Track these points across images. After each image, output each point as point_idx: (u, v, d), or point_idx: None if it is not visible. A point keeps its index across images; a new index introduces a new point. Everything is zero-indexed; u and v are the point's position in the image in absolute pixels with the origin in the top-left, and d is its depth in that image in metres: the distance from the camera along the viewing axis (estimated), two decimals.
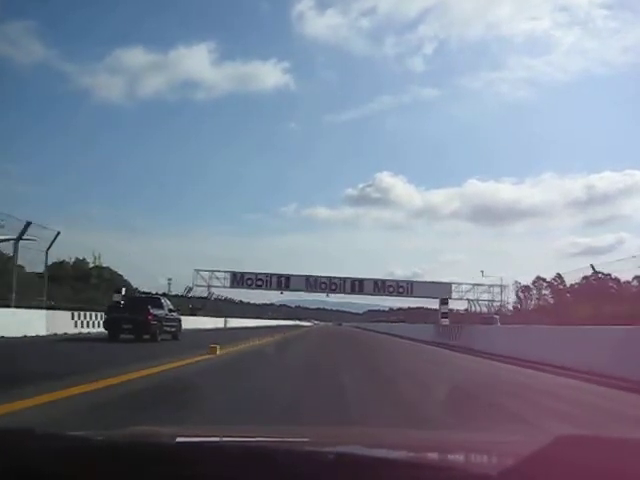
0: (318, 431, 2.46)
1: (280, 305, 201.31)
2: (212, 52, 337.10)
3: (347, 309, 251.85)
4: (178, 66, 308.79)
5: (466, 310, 56.09)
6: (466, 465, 1.20)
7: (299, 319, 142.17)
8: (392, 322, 65.92)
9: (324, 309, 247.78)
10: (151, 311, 18.51)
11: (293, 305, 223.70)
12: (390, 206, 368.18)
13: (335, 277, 56.70)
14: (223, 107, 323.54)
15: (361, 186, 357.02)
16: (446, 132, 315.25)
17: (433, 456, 1.36)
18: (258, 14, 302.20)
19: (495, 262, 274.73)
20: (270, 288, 56.96)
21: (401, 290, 57.08)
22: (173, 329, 20.63)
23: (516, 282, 45.35)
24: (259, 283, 56.40)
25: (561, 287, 41.30)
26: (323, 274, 57.21)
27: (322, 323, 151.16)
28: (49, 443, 1.19)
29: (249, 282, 56.26)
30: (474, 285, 55.37)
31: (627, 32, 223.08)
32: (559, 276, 40.68)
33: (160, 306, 20.12)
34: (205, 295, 54.99)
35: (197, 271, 56.25)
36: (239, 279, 56.26)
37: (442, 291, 53.46)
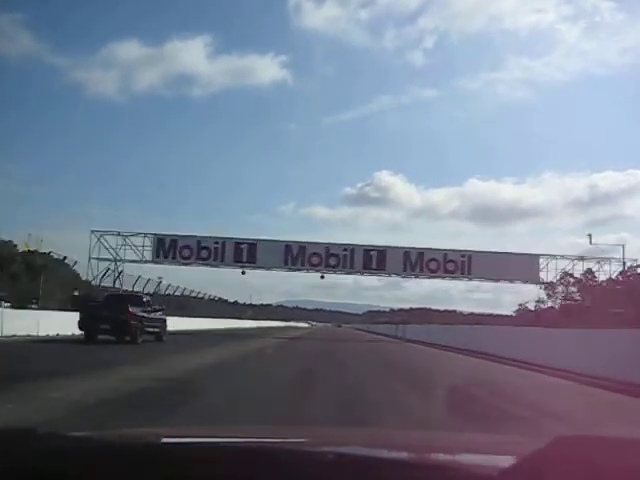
0: (318, 431, 2.51)
1: (277, 306, 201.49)
2: (208, 46, 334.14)
3: (346, 310, 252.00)
4: (174, 61, 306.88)
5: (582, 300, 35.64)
6: (467, 465, 1.22)
7: (294, 320, 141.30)
8: (397, 323, 60.79)
9: (322, 310, 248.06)
10: (131, 310, 17.46)
11: (291, 306, 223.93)
12: (389, 205, 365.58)
13: (335, 244, 34.90)
14: (220, 105, 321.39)
15: (360, 185, 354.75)
16: (447, 131, 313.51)
17: (433, 456, 1.37)
18: (255, 6, 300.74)
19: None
20: (223, 263, 34.46)
21: (451, 267, 34.09)
22: (156, 329, 19.63)
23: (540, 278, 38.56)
24: (204, 255, 34.19)
25: (592, 284, 35.75)
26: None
27: (321, 324, 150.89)
28: (50, 443, 1.21)
29: (185, 253, 34.21)
30: (577, 260, 34.71)
31: (627, 33, 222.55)
32: (589, 271, 35.37)
33: (142, 304, 19.13)
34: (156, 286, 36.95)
35: (98, 235, 34.41)
36: (168, 248, 34.07)
37: (524, 268, 33.80)
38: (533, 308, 39.14)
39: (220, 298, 58.78)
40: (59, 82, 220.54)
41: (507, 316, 48.50)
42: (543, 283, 34.86)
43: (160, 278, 37.26)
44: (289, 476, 1.13)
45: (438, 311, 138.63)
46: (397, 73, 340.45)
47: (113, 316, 16.93)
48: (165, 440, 1.54)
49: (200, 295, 49.29)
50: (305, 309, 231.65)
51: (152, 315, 19.43)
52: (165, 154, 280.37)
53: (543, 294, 36.88)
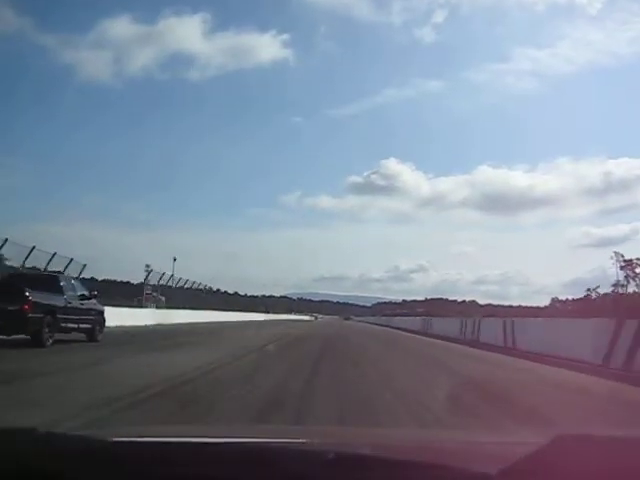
0: (318, 431, 2.63)
1: (280, 297, 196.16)
2: (205, 23, 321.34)
3: (353, 302, 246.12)
4: (170, 41, 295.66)
5: None
6: (466, 465, 1.23)
7: (295, 312, 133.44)
8: (415, 316, 49.23)
9: (328, 302, 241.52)
10: (29, 297, 12.98)
11: (295, 297, 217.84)
12: (397, 194, 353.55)
13: None
14: (217, 87, 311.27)
15: (366, 173, 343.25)
16: (457, 118, 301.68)
17: (433, 456, 1.38)
18: None
19: (505, 254, 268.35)
20: None
21: None
22: (86, 325, 15.32)
23: (617, 254, 30.45)
24: None
25: None
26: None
27: (327, 317, 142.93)
28: (50, 443, 1.25)
29: None
30: None
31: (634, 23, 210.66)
32: None
33: (55, 289, 14.42)
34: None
35: None
36: None
37: None
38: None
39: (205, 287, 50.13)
40: (47, 63, 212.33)
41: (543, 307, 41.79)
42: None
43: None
44: (289, 476, 1.17)
45: (455, 302, 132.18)
46: (405, 51, 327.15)
47: (1, 306, 12.60)
48: (166, 439, 1.56)
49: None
50: (310, 301, 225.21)
51: (76, 304, 14.91)
52: (158, 143, 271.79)
53: (621, 275, 28.40)
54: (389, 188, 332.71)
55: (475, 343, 20.57)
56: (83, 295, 15.57)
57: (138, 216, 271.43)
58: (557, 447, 1.14)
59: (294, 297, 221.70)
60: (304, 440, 1.63)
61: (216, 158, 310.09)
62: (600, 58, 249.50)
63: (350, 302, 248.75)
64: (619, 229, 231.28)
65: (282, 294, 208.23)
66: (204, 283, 49.74)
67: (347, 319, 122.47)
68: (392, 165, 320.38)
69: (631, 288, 29.97)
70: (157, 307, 36.24)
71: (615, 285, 29.96)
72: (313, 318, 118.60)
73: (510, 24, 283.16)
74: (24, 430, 1.28)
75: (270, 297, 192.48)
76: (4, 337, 12.87)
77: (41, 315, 13.11)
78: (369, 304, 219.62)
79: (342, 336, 27.44)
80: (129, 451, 1.25)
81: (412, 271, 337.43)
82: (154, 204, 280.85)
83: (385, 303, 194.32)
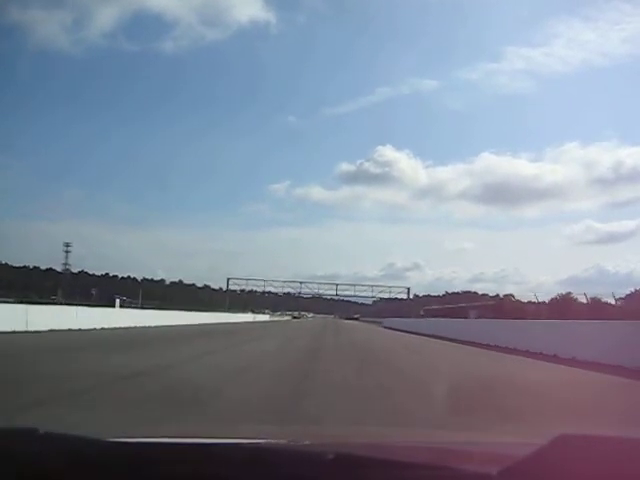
0: (318, 431, 2.70)
1: (263, 292, 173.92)
2: None
3: (349, 299, 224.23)
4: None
5: None
6: (466, 465, 1.28)
7: (270, 310, 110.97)
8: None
9: (320, 298, 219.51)
10: None
11: (280, 293, 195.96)
12: (392, 184, 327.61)
13: None
14: (190, 60, 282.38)
15: (360, 161, 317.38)
16: (457, 109, 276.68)
17: (433, 456, 1.42)
18: None
19: (503, 250, 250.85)
20: None
21: None
22: None
23: None
24: None
25: None
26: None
27: (319, 316, 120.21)
28: (49, 443, 1.29)
29: None
30: None
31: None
32: None
33: None
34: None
35: None
36: None
37: None
38: None
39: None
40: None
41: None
42: None
43: None
44: (289, 476, 1.21)
45: (487, 296, 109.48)
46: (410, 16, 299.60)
47: None
48: (166, 440, 1.61)
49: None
50: (300, 296, 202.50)
51: None
52: (136, 132, 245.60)
53: None
54: (384, 177, 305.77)
55: None
56: None
57: (127, 214, 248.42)
58: (558, 447, 1.17)
59: (280, 293, 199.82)
60: (304, 440, 1.66)
61: (208, 152, 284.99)
62: (594, 58, 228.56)
63: (345, 300, 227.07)
64: (623, 225, 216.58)
65: (268, 290, 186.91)
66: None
67: (351, 319, 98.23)
68: (388, 152, 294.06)
69: None
70: None
71: None
72: (289, 318, 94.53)
73: (502, 23, 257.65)
74: (24, 430, 1.32)
75: (251, 292, 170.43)
76: None
77: None
78: (369, 301, 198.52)
79: None
80: (128, 451, 1.28)
81: (407, 269, 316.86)
82: (156, 207, 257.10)
83: (391, 300, 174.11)
